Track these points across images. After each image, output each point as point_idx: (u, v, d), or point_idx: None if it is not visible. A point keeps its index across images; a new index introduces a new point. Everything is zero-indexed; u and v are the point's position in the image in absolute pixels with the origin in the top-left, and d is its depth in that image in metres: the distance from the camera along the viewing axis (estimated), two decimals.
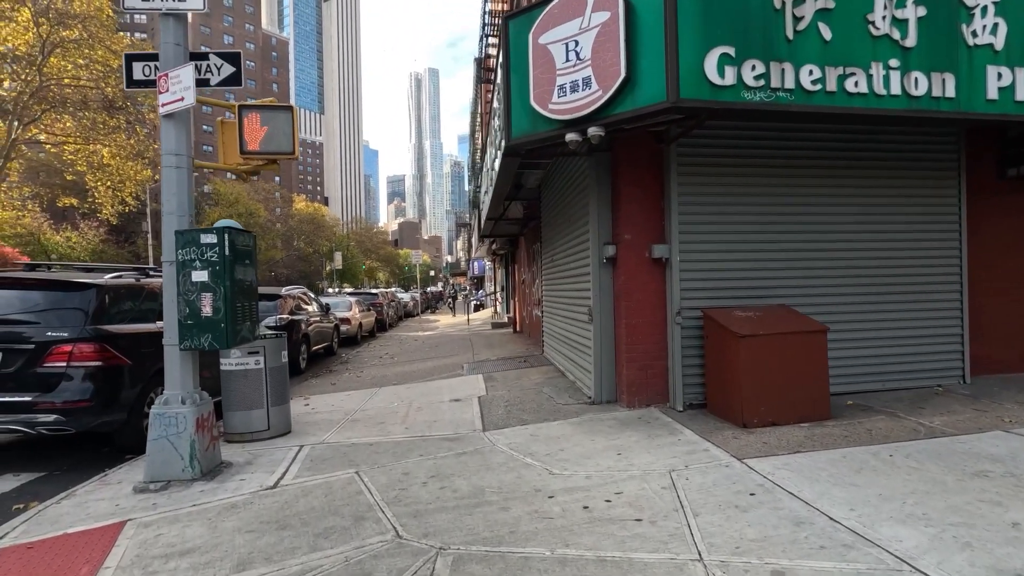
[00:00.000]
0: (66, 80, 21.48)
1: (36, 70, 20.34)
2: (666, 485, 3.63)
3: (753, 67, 4.45)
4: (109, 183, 24.16)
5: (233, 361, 5.39)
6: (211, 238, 4.19)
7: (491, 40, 13.69)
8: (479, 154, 41.75)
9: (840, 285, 5.86)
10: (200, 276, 4.19)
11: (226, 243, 4.20)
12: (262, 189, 66.82)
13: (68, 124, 23.19)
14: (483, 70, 14.82)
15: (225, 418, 5.49)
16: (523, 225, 14.24)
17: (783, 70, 4.50)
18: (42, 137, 22.97)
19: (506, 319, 20.14)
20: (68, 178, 25.17)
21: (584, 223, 6.31)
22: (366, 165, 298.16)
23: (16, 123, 21.13)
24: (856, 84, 4.63)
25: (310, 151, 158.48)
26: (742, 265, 5.65)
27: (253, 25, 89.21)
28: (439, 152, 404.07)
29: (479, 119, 40.77)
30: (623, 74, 4.52)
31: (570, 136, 4.96)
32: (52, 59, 20.69)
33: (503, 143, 6.09)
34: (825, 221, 5.84)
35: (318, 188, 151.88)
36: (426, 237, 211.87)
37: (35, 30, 19.72)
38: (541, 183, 10.10)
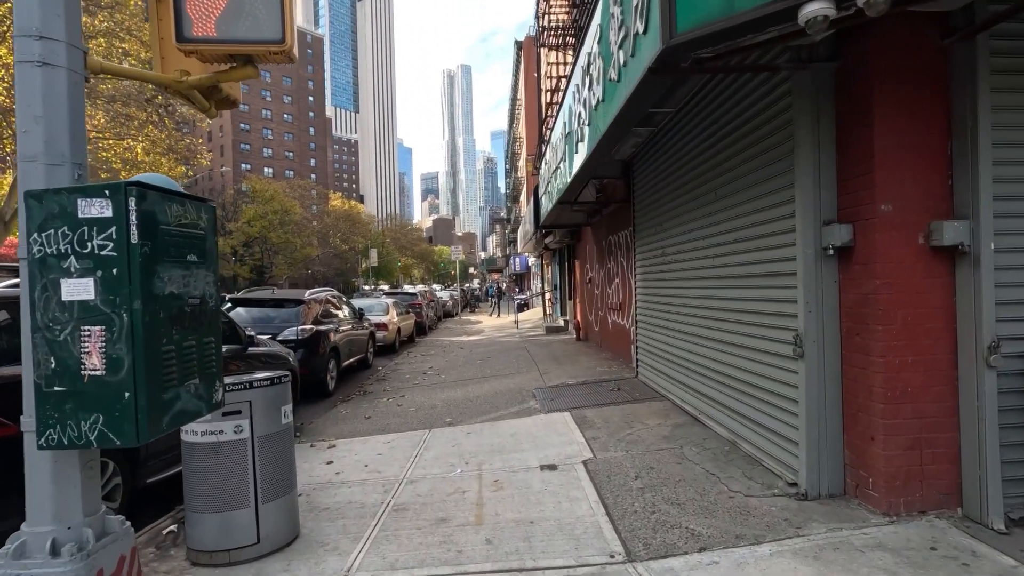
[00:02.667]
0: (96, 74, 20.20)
1: None
2: None
3: None
4: None
5: (198, 428, 3.17)
6: (99, 208, 1.93)
7: None
8: (517, 143, 39.36)
9: None
10: (77, 289, 1.94)
11: (132, 217, 1.93)
12: (298, 186, 66.27)
13: (101, 120, 22.03)
14: (543, 30, 12.42)
15: (187, 523, 3.27)
16: (592, 213, 11.79)
17: None
18: None
19: (562, 322, 17.71)
20: (103, 176, 24.12)
21: (770, 191, 3.85)
22: (400, 163, 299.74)
23: None
24: None
25: (346, 149, 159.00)
26: None
27: None
28: (472, 148, 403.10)
29: (517, 106, 38.38)
30: None
31: (812, 8, 2.53)
32: None
33: (633, 55, 3.70)
34: None
35: (353, 186, 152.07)
36: (460, 233, 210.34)
37: None
38: (634, 153, 7.65)
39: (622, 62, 4.07)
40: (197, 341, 2.26)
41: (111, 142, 21.99)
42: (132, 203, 1.94)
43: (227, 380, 3.21)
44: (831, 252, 3.35)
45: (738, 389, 4.45)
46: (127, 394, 1.93)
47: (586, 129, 5.91)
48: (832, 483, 3.42)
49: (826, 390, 3.42)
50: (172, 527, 3.76)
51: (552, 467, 4.52)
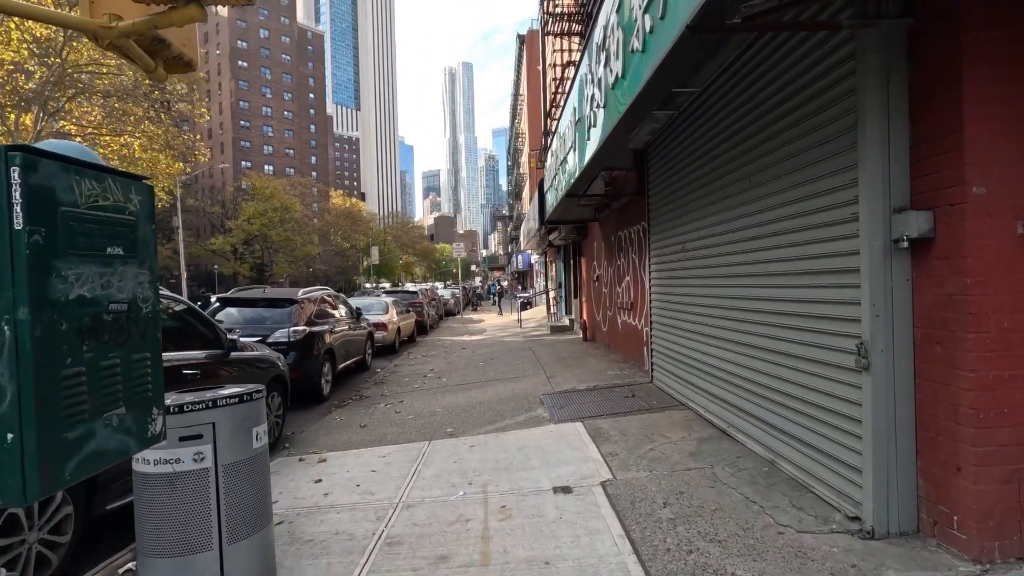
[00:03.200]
0: (89, 68, 19.81)
1: (57, 56, 18.53)
2: None
3: None
4: None
5: (151, 456, 2.65)
6: None
7: None
8: (519, 139, 38.75)
9: None
10: None
11: (14, 194, 1.41)
12: (299, 184, 65.71)
13: (96, 116, 21.57)
14: (548, 17, 11.87)
15: (139, 566, 2.76)
16: (600, 208, 11.25)
17: None
18: (72, 130, 21.38)
19: (567, 322, 17.18)
20: None
21: (824, 174, 3.31)
22: (401, 160, 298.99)
23: (41, 113, 19.43)
24: None
25: (347, 146, 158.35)
26: None
27: (288, 18, 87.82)
28: (473, 146, 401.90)
29: (519, 101, 37.82)
30: None
31: None
32: (74, 43, 18.84)
33: (663, 17, 3.17)
34: None
35: (355, 184, 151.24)
36: (462, 231, 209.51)
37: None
38: (650, 141, 7.12)
39: (648, 28, 3.54)
40: (122, 359, 1.74)
41: (108, 138, 21.62)
42: (15, 174, 1.41)
43: (186, 398, 2.70)
44: (904, 244, 2.81)
45: (778, 402, 3.92)
46: (10, 436, 1.42)
47: (600, 113, 5.37)
48: (904, 519, 2.89)
49: (896, 408, 2.89)
50: (130, 565, 3.25)
51: (566, 489, 4.00)
